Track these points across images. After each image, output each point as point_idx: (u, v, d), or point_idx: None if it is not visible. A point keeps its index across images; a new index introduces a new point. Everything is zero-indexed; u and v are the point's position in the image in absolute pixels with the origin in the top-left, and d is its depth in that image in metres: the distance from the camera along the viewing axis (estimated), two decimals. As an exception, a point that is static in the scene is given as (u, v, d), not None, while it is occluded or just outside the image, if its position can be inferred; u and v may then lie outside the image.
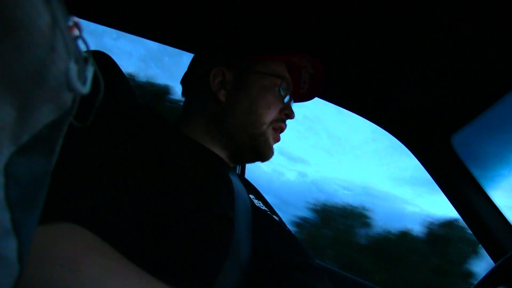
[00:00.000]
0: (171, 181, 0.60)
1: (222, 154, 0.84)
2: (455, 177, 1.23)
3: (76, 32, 0.25)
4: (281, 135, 0.91)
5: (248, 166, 1.62)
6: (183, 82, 0.93)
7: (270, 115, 0.84)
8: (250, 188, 0.90)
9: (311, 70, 0.93)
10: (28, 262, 0.36)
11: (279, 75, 0.86)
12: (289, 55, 0.89)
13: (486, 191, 1.20)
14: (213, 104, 0.85)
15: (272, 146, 0.88)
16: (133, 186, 0.55)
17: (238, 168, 1.60)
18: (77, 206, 0.47)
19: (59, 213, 0.44)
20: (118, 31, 1.20)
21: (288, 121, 0.91)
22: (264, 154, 0.87)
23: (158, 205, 0.56)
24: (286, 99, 0.88)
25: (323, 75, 0.93)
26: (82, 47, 0.26)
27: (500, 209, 1.18)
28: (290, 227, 0.83)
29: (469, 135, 1.17)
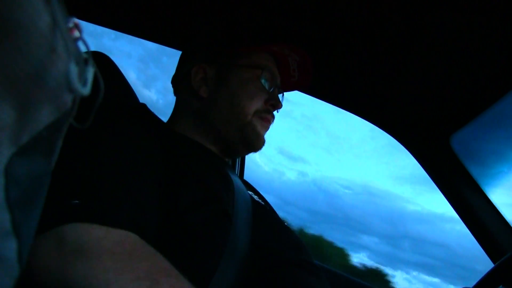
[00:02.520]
0: (174, 177, 0.61)
1: (214, 149, 0.85)
2: (454, 178, 1.23)
3: (76, 33, 0.25)
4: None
5: (249, 166, 1.62)
6: (172, 82, 0.94)
7: (254, 105, 0.83)
8: (249, 186, 0.90)
9: (296, 57, 0.92)
10: (109, 270, 0.38)
11: (259, 66, 0.85)
12: (268, 45, 0.87)
13: (485, 192, 1.20)
14: (196, 101, 0.85)
15: (262, 135, 0.86)
16: (157, 189, 0.57)
17: (237, 169, 1.60)
18: (137, 216, 0.49)
19: (125, 222, 0.46)
20: (117, 32, 1.20)
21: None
22: (254, 144, 0.85)
23: (163, 202, 0.57)
24: (268, 89, 0.86)
25: (310, 61, 0.92)
26: (82, 48, 0.26)
27: (499, 209, 1.18)
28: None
29: (468, 135, 1.17)
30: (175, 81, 0.93)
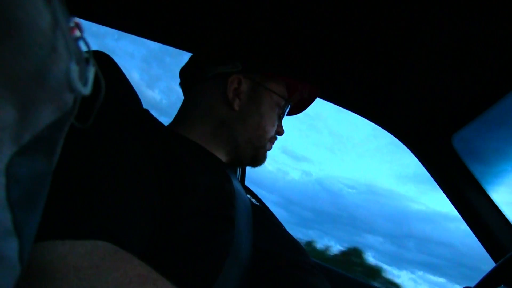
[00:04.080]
0: (176, 183, 0.60)
1: (222, 157, 0.85)
2: (456, 177, 1.23)
3: (77, 33, 0.25)
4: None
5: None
6: (185, 75, 0.92)
7: (272, 131, 0.91)
8: (248, 190, 0.91)
9: (306, 95, 1.01)
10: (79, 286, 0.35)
11: (283, 95, 0.91)
12: (293, 80, 0.94)
13: (486, 191, 1.20)
14: (224, 110, 0.85)
15: (266, 156, 0.94)
16: (147, 194, 0.55)
17: (238, 174, 1.60)
18: (108, 223, 0.45)
19: (92, 231, 0.42)
20: (120, 32, 1.20)
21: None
22: (260, 162, 0.93)
23: (164, 208, 0.56)
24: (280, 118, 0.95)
25: (312, 101, 1.04)
26: (83, 47, 0.26)
27: (501, 209, 1.18)
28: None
29: (470, 134, 1.17)
30: (192, 78, 0.91)
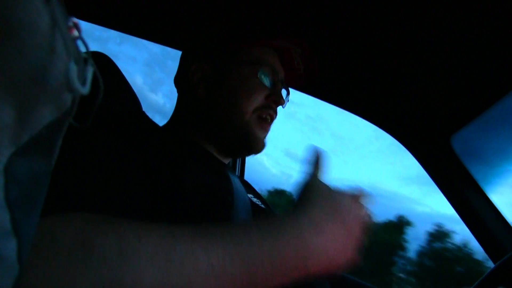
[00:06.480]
0: (170, 183, 0.60)
1: (214, 150, 0.82)
2: (455, 178, 1.23)
3: (75, 33, 0.25)
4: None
5: (256, 169, 1.62)
6: (174, 82, 0.93)
7: (252, 103, 0.79)
8: (249, 188, 0.90)
9: (298, 50, 0.87)
10: (47, 254, 0.33)
11: (257, 61, 0.81)
12: (268, 39, 0.83)
13: (485, 192, 1.20)
14: (195, 101, 0.82)
15: (260, 137, 0.82)
16: (132, 182, 0.54)
17: (238, 170, 1.60)
18: (81, 196, 0.46)
19: (62, 205, 0.41)
20: (122, 37, 1.20)
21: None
22: (252, 146, 0.81)
23: (157, 208, 0.56)
24: (269, 84, 0.82)
25: (312, 52, 0.87)
26: (82, 48, 0.26)
27: (499, 210, 1.18)
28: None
29: (468, 136, 1.17)
30: (176, 82, 0.91)
